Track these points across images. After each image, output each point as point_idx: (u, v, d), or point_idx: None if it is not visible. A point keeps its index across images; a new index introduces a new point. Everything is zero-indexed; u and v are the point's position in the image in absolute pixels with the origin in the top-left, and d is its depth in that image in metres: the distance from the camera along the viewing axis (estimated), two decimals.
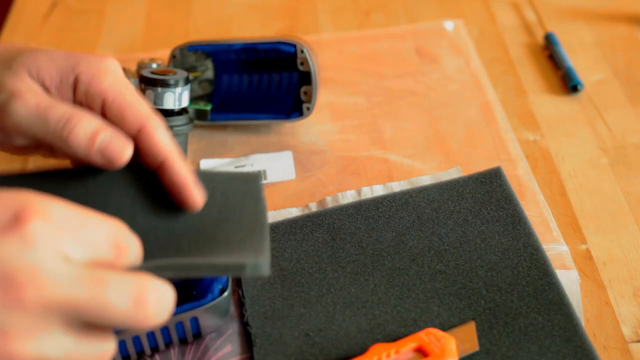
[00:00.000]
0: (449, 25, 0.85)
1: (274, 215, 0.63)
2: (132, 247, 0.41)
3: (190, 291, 0.53)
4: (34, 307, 0.36)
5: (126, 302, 0.38)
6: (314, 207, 0.64)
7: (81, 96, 0.49)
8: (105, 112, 0.49)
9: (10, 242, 0.37)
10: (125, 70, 0.73)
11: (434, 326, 0.53)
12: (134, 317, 0.38)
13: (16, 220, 0.37)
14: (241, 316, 0.55)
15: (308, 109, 0.70)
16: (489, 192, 0.62)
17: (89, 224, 0.39)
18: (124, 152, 0.47)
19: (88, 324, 0.38)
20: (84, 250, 0.39)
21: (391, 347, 0.50)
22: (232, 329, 0.54)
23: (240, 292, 0.56)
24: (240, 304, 0.56)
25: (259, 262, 0.46)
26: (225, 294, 0.54)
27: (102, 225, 0.40)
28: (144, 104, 0.49)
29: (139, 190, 0.49)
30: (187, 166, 0.49)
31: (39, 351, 0.37)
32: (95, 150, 0.46)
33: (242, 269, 0.45)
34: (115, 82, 0.49)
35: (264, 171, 0.68)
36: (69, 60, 0.50)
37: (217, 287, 0.53)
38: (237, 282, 0.57)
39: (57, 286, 0.37)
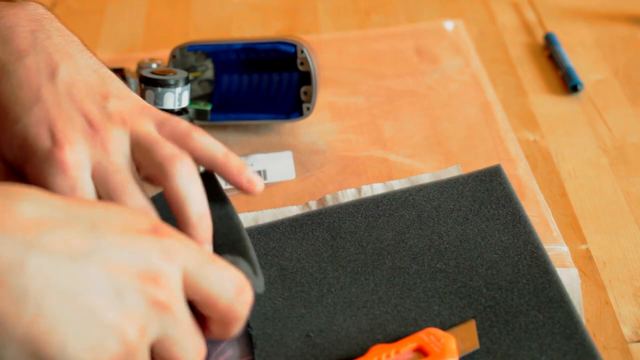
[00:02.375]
0: (449, 25, 0.85)
1: (273, 214, 0.63)
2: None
3: None
4: (162, 308, 0.41)
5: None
6: (314, 206, 0.64)
7: None
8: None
9: (153, 244, 0.42)
10: (125, 70, 0.73)
11: (435, 325, 0.53)
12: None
13: (158, 231, 0.43)
14: None
15: (308, 109, 0.70)
16: (489, 190, 0.62)
17: (216, 264, 0.45)
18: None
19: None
20: (206, 285, 0.44)
21: (391, 348, 0.50)
22: None
23: None
24: None
25: (256, 283, 0.48)
26: None
27: (226, 271, 0.45)
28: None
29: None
30: (230, 161, 0.52)
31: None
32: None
33: None
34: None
35: (264, 171, 0.68)
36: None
37: None
38: None
39: (179, 303, 0.43)
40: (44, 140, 0.48)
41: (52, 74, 0.51)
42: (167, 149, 0.50)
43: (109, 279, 0.40)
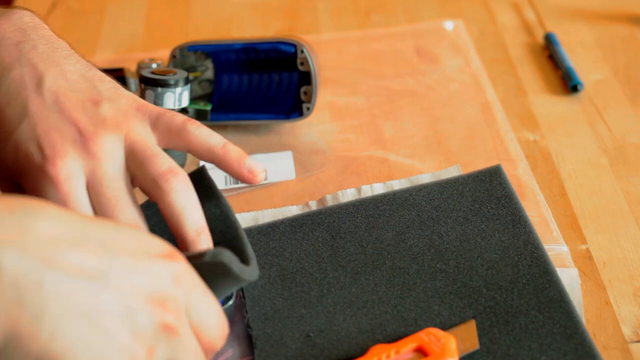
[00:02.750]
0: (449, 25, 0.85)
1: (273, 214, 0.63)
2: None
3: None
4: (170, 331, 0.42)
5: (217, 326, 0.45)
6: (314, 206, 0.64)
7: None
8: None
9: (164, 269, 0.42)
10: (125, 70, 0.73)
11: (435, 325, 0.53)
12: (217, 340, 0.45)
13: (171, 256, 0.43)
14: (242, 318, 0.55)
15: (308, 109, 0.70)
16: (488, 190, 0.62)
17: (212, 299, 0.46)
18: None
19: None
20: (200, 313, 0.44)
21: (391, 348, 0.50)
22: (233, 332, 0.54)
23: (240, 293, 0.56)
24: (240, 306, 0.56)
25: (247, 271, 0.48)
26: (230, 302, 0.54)
27: (217, 306, 0.46)
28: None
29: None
30: (229, 152, 0.53)
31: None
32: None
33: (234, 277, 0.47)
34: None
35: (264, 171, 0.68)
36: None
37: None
38: None
39: (185, 327, 0.43)
40: (34, 156, 0.48)
41: (38, 85, 0.50)
42: (161, 165, 0.49)
43: (122, 300, 0.40)
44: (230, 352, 0.53)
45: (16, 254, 0.37)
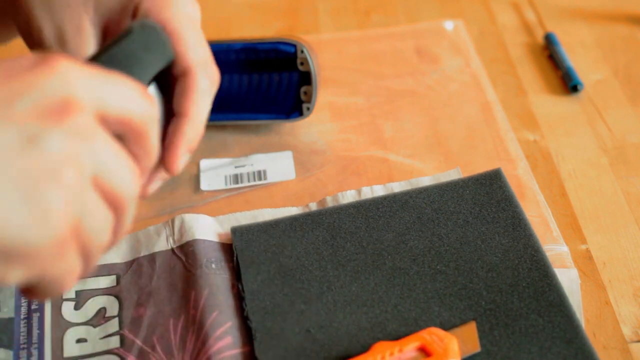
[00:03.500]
0: (449, 25, 0.85)
1: (274, 213, 0.63)
2: None
3: None
4: (83, 132, 0.36)
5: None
6: (314, 207, 0.64)
7: None
8: None
9: (45, 75, 0.36)
10: None
11: (435, 326, 0.53)
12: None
13: (45, 61, 0.37)
14: (241, 310, 0.55)
15: (308, 109, 0.70)
16: (489, 193, 0.62)
17: (114, 77, 0.39)
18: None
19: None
20: (116, 100, 0.39)
21: (395, 346, 0.50)
22: (232, 322, 0.54)
23: (240, 286, 0.57)
24: (239, 298, 0.56)
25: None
26: (152, 86, 0.48)
27: (125, 80, 0.40)
28: (201, 49, 0.47)
29: None
30: (193, 132, 0.47)
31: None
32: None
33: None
34: (175, 14, 0.47)
35: (264, 171, 0.68)
36: None
37: None
38: (237, 276, 0.58)
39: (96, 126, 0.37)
40: None
41: None
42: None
43: (16, 133, 0.35)
44: (229, 339, 0.53)
45: None
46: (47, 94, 0.36)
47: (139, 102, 0.40)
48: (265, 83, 0.72)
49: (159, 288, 0.57)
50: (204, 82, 0.47)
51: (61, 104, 0.36)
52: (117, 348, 0.54)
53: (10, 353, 0.54)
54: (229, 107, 0.71)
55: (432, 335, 0.51)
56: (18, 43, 0.56)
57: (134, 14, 0.48)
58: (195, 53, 0.47)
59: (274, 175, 0.68)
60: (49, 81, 0.36)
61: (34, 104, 0.36)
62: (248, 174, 0.68)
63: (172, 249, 0.60)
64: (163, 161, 0.46)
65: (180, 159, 0.47)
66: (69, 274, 0.38)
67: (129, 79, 0.40)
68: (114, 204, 0.39)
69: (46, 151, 0.35)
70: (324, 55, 0.80)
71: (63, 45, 0.49)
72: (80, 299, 0.57)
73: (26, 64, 0.37)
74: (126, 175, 0.39)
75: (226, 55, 0.72)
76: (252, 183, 0.67)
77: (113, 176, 0.38)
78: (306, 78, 0.70)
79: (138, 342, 0.54)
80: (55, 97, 0.36)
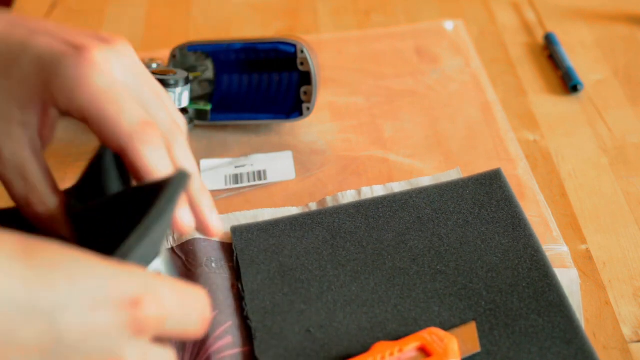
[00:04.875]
0: (449, 25, 0.85)
1: (274, 213, 0.63)
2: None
3: None
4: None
5: (198, 318, 0.39)
6: (314, 207, 0.64)
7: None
8: None
9: (124, 332, 0.36)
10: None
11: (435, 326, 0.53)
12: (201, 327, 0.40)
13: (134, 305, 0.37)
14: (241, 309, 0.55)
15: (308, 109, 0.70)
16: (489, 193, 0.62)
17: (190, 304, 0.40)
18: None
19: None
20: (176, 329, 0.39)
21: (395, 346, 0.50)
22: (232, 321, 0.54)
23: (240, 286, 0.57)
24: (239, 298, 0.56)
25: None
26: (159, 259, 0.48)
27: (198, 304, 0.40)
28: (130, 116, 0.44)
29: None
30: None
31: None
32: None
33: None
34: (93, 94, 0.44)
35: (264, 171, 0.68)
36: (41, 77, 0.44)
37: None
38: (237, 276, 0.58)
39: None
40: (65, 49, 0.44)
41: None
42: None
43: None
44: (229, 339, 0.53)
45: None
46: (112, 347, 0.36)
47: (195, 326, 0.40)
48: (265, 83, 0.72)
49: None
50: (147, 148, 0.44)
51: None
52: None
53: None
54: (229, 107, 0.71)
55: (432, 335, 0.51)
56: None
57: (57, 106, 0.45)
58: (124, 123, 0.44)
59: (274, 175, 0.68)
60: (121, 338, 0.36)
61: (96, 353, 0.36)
62: (248, 174, 0.68)
63: (172, 248, 0.60)
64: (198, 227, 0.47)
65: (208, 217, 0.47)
66: None
67: (202, 300, 0.40)
68: None
69: None
70: (324, 55, 0.80)
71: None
72: None
73: (115, 299, 0.36)
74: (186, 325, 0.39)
75: (226, 55, 0.72)
76: (252, 183, 0.67)
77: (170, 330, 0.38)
78: (306, 78, 0.70)
79: None
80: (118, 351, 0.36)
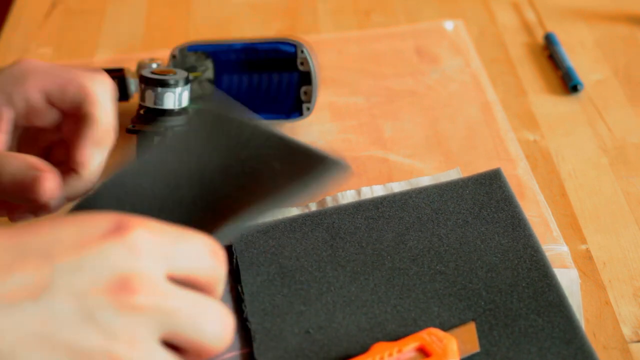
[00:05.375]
0: (449, 25, 0.85)
1: (273, 214, 0.63)
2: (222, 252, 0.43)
3: None
4: (144, 312, 0.37)
5: (219, 325, 0.40)
6: (313, 208, 0.64)
7: None
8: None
9: (115, 247, 0.38)
10: (125, 70, 0.73)
11: (434, 326, 0.53)
12: (222, 341, 0.40)
13: (118, 229, 0.38)
14: (240, 312, 0.55)
15: (308, 109, 0.70)
16: (488, 193, 0.62)
17: (185, 237, 0.41)
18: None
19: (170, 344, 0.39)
20: (184, 261, 0.40)
21: (393, 346, 0.50)
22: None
23: (239, 288, 0.57)
24: (238, 300, 0.56)
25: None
26: None
27: (195, 238, 0.41)
28: (109, 115, 0.55)
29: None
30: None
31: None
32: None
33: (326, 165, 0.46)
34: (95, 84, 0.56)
35: None
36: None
37: None
38: (236, 278, 0.58)
39: (165, 296, 0.38)
40: None
41: None
42: None
43: (77, 305, 0.37)
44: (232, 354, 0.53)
45: None
46: (113, 270, 0.37)
47: (207, 260, 0.41)
48: (265, 83, 0.72)
49: None
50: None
51: (124, 282, 0.37)
52: None
53: None
54: None
55: (432, 335, 0.51)
56: None
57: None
58: (105, 115, 0.54)
59: None
60: (116, 255, 0.37)
61: (98, 278, 0.37)
62: None
63: None
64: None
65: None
66: None
67: (200, 237, 0.41)
68: None
69: (102, 328, 0.37)
70: (324, 55, 0.80)
71: None
72: None
73: (99, 232, 0.38)
74: (206, 330, 0.40)
75: (226, 55, 0.72)
76: None
77: (188, 333, 0.39)
78: (306, 78, 0.70)
79: None
80: (119, 273, 0.37)
